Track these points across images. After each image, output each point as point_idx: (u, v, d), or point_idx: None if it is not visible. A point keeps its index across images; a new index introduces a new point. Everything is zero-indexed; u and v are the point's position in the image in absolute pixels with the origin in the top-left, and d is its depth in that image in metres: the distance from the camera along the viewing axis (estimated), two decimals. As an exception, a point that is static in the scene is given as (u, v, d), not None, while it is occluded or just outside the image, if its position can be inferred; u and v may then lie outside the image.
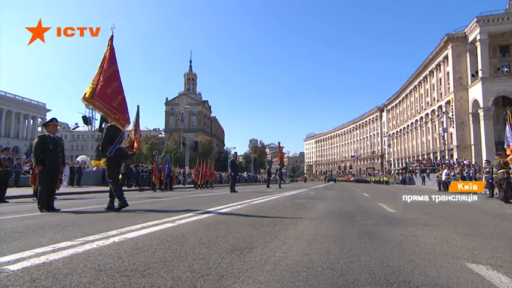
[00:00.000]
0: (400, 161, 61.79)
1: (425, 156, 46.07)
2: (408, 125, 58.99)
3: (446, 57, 43.29)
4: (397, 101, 66.21)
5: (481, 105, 36.65)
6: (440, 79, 45.91)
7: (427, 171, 29.39)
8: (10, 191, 8.32)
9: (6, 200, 7.50)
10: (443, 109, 42.60)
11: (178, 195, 10.89)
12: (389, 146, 65.47)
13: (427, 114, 50.55)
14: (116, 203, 5.12)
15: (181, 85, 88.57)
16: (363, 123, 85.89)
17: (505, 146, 9.88)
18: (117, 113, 5.31)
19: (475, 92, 37.97)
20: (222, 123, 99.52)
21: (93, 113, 23.91)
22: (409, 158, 56.48)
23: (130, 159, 11.51)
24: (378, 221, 4.29)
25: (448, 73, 42.75)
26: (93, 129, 26.40)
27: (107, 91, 5.27)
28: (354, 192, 14.70)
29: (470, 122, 38.76)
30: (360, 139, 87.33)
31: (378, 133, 78.22)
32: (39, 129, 57.08)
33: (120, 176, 10.31)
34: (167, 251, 2.33)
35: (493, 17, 37.26)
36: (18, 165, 15.54)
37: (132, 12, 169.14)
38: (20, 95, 58.81)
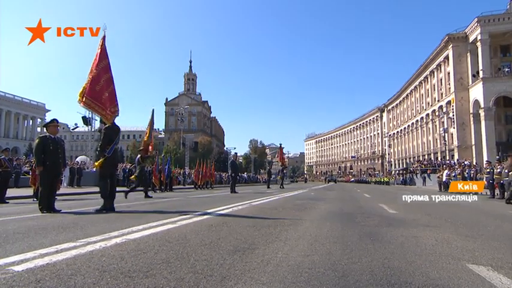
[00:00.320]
0: (400, 161, 61.79)
1: (426, 157, 46.05)
2: (409, 125, 58.96)
3: (446, 57, 43.30)
4: (397, 101, 66.20)
5: (482, 106, 36.66)
6: (441, 79, 45.91)
7: (428, 172, 29.32)
8: (10, 192, 8.31)
9: (7, 201, 7.49)
10: (444, 109, 42.60)
11: (179, 196, 10.90)
12: (389, 146, 65.51)
13: (427, 115, 50.54)
14: (117, 203, 5.14)
15: (181, 85, 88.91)
16: (363, 123, 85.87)
17: None
18: (105, 109, 5.38)
19: (476, 92, 37.97)
20: (222, 123, 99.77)
21: (93, 113, 23.87)
22: (409, 158, 56.50)
23: (147, 162, 11.60)
24: (379, 222, 4.30)
25: (449, 73, 42.76)
26: (92, 130, 26.39)
27: (96, 88, 5.34)
28: (354, 193, 14.69)
29: (471, 122, 38.77)
30: (360, 139, 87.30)
31: (378, 133, 78.20)
32: (39, 129, 57.11)
33: (133, 178, 10.36)
34: (169, 252, 2.34)
35: (493, 17, 37.32)
36: (18, 165, 15.54)
37: (132, 12, 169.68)
38: (20, 95, 58.96)
